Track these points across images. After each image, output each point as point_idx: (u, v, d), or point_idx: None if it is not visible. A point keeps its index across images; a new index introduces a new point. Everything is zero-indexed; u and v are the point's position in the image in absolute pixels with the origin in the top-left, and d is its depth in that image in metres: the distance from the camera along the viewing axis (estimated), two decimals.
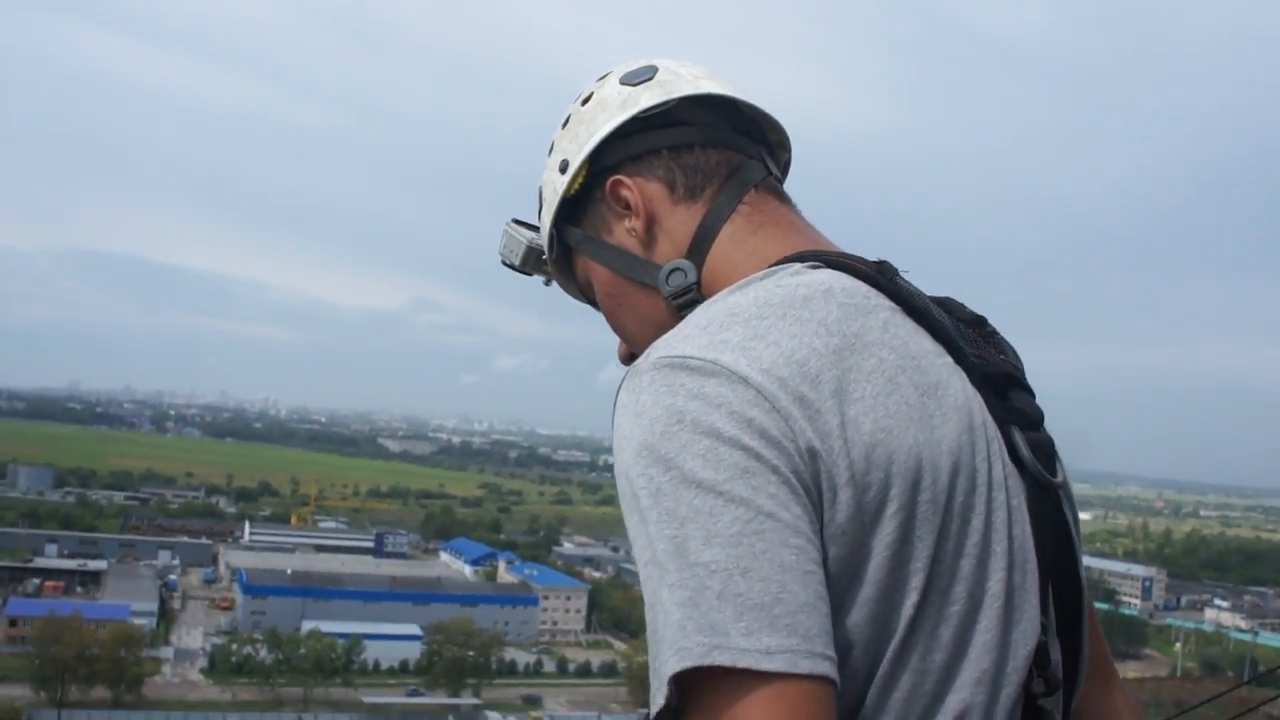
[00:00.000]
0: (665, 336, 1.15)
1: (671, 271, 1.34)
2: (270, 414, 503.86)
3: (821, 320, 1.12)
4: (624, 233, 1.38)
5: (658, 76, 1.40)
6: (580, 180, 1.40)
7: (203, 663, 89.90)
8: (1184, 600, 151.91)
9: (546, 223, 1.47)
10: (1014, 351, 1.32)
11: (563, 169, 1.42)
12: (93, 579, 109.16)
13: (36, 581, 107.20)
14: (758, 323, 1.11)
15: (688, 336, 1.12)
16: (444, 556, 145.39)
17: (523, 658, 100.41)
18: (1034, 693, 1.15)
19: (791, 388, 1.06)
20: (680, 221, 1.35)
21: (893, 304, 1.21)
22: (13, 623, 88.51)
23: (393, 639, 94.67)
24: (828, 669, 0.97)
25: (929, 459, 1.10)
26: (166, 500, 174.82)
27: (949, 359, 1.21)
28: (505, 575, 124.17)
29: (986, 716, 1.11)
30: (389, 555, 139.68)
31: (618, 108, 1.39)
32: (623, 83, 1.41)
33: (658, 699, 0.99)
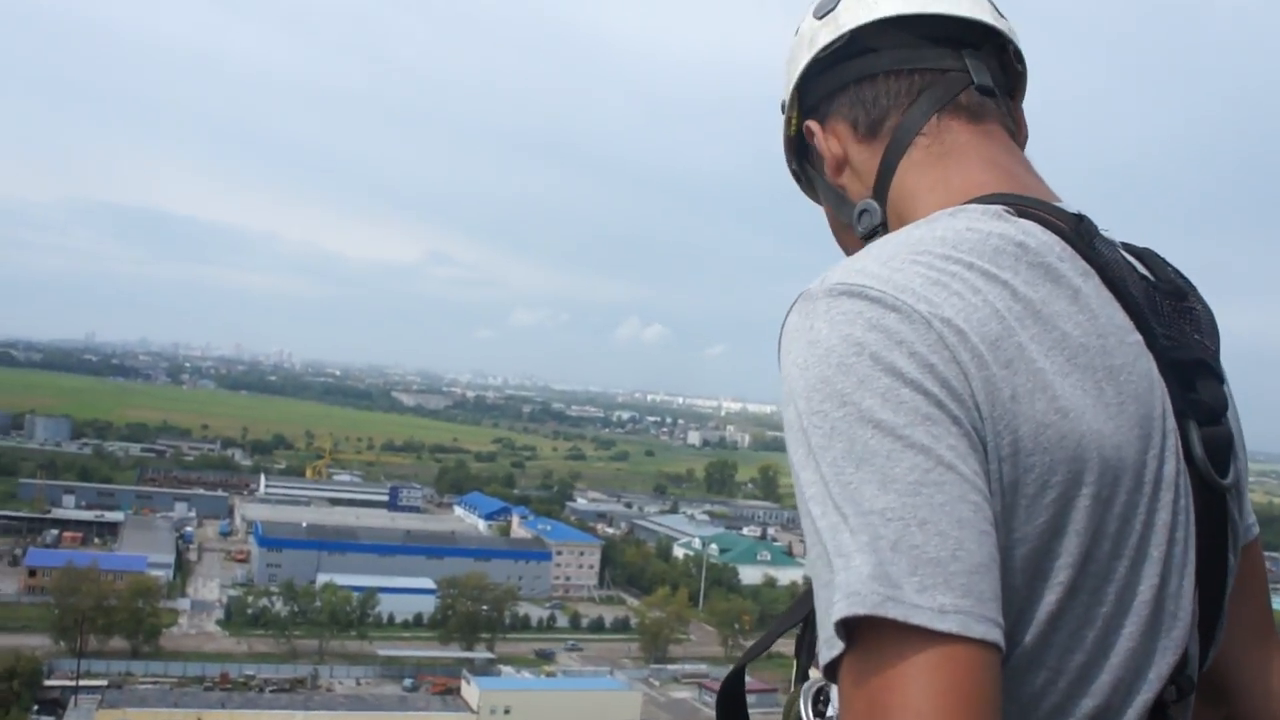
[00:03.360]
0: (843, 263, 1.10)
1: (860, 213, 1.31)
2: (285, 367, 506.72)
3: (1008, 282, 1.05)
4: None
5: (838, 7, 1.33)
6: (795, 122, 1.39)
7: (219, 614, 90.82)
8: None
9: (788, 158, 1.47)
10: (1212, 325, 1.20)
11: (783, 109, 1.42)
12: (110, 530, 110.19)
13: (55, 532, 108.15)
14: (942, 266, 1.05)
15: (865, 267, 1.06)
16: (458, 511, 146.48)
17: (536, 612, 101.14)
18: (1164, 699, 1.10)
19: (971, 344, 1.00)
20: (865, 159, 1.31)
21: (1087, 268, 1.12)
22: (32, 573, 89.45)
23: (407, 592, 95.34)
24: (998, 636, 0.91)
25: (1097, 451, 1.03)
26: (182, 452, 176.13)
27: (1139, 338, 1.12)
28: (519, 530, 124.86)
29: None
30: (403, 509, 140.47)
31: (808, 45, 1.34)
32: (814, 15, 1.36)
33: (830, 648, 0.93)
